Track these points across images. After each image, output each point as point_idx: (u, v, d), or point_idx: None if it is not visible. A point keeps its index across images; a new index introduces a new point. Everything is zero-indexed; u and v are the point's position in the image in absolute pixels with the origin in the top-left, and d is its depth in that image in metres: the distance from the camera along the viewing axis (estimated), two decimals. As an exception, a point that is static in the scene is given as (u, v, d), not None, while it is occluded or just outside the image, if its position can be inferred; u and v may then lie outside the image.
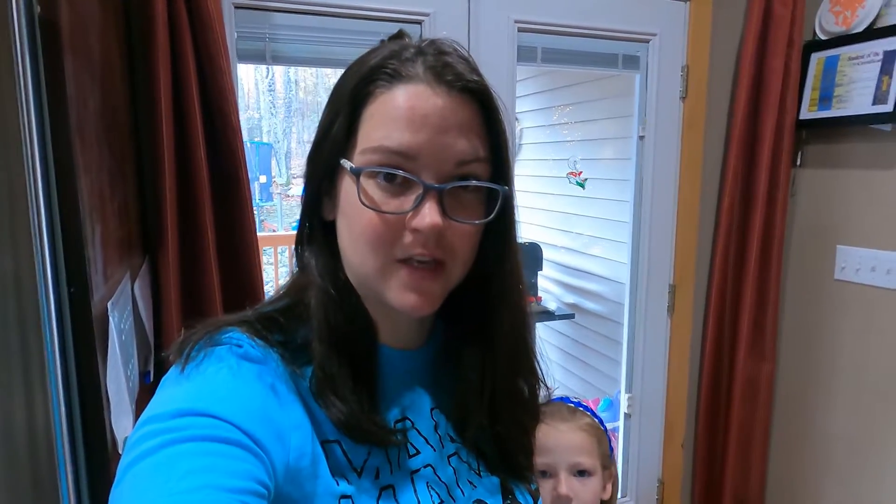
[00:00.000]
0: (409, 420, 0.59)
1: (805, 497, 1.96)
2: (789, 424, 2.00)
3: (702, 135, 1.88)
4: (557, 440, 0.92)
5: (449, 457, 0.60)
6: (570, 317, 2.80)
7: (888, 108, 1.59)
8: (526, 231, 3.30)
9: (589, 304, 2.89)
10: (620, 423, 2.07)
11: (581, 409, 0.99)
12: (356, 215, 0.52)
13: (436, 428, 0.61)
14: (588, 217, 2.86)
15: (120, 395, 0.84)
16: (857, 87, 1.67)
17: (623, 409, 2.04)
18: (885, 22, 1.64)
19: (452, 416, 0.62)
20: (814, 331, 1.90)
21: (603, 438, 0.97)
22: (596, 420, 0.99)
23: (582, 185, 2.60)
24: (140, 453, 0.42)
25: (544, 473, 0.91)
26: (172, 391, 0.47)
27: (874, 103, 1.62)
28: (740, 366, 1.94)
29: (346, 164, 0.53)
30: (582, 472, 0.92)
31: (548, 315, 2.77)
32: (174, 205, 1.25)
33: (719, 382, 2.00)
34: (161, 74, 1.19)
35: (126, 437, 0.88)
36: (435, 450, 0.59)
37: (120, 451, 0.83)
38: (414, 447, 0.58)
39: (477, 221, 0.55)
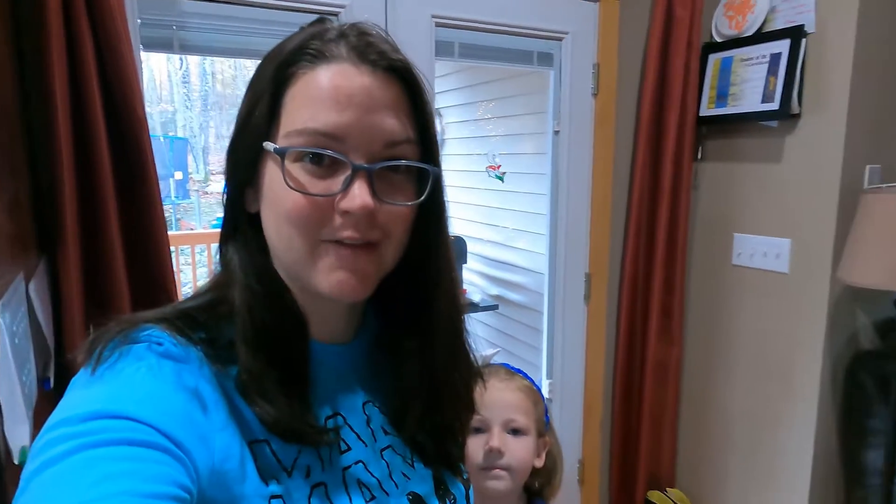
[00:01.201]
0: (341, 416, 0.58)
1: (710, 470, 2.11)
2: (696, 404, 2.14)
3: (613, 130, 1.97)
4: (493, 398, 0.92)
5: (382, 450, 0.60)
6: (493, 308, 2.87)
7: (774, 106, 1.73)
8: (451, 226, 3.32)
9: (512, 295, 2.96)
10: (542, 409, 2.14)
11: (520, 374, 1.01)
12: (281, 199, 0.50)
13: (368, 422, 0.60)
14: (509, 210, 2.93)
15: (14, 402, 0.79)
16: (748, 87, 1.81)
17: (545, 394, 2.11)
18: (771, 27, 1.78)
19: (388, 408, 0.61)
20: (716, 314, 2.04)
21: (539, 403, 0.98)
22: (534, 385, 1.01)
23: (501, 179, 2.66)
24: (47, 459, 0.38)
25: (478, 430, 0.92)
26: (83, 393, 0.44)
27: (763, 101, 1.76)
28: (651, 350, 2.06)
29: (269, 146, 0.51)
30: (516, 431, 0.93)
31: (473, 307, 2.82)
32: (74, 201, 1.18)
33: (633, 366, 2.11)
34: (55, 62, 1.12)
35: (23, 447, 0.83)
36: (367, 445, 0.58)
37: (16, 462, 0.78)
38: (346, 443, 0.57)
39: (409, 203, 0.53)
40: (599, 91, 1.92)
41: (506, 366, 1.02)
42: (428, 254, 0.59)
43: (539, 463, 0.98)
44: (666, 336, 2.07)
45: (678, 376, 2.13)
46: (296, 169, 0.50)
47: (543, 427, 1.00)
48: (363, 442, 0.58)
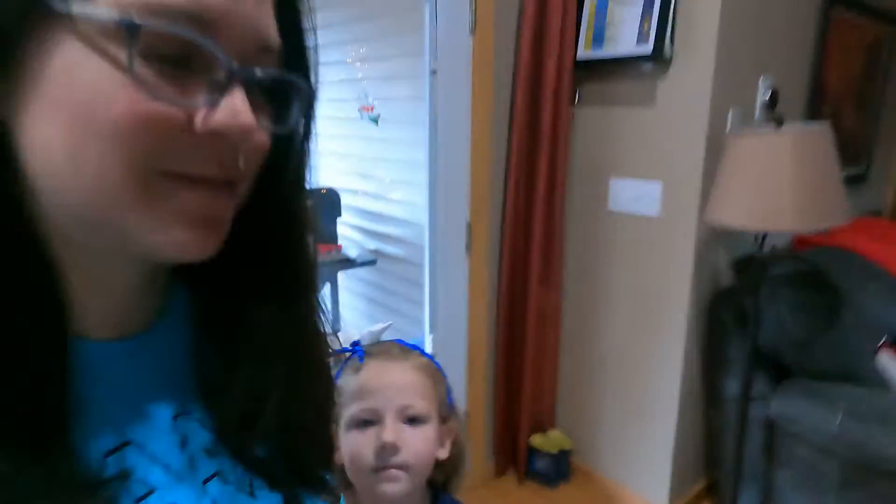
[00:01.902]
0: (134, 443, 0.38)
1: (589, 409, 2.18)
2: (575, 348, 2.19)
3: (492, 70, 1.87)
4: (384, 380, 0.77)
5: (206, 481, 0.42)
6: (371, 263, 2.74)
7: (649, 47, 1.72)
8: (323, 177, 3.12)
9: (391, 249, 2.85)
10: (426, 364, 2.08)
11: (416, 350, 0.85)
12: (100, 101, 0.31)
13: (183, 444, 0.41)
14: (385, 160, 2.78)
15: None
16: (623, 28, 1.78)
17: (428, 350, 2.04)
18: (645, -34, 1.75)
19: (219, 416, 0.43)
20: (593, 260, 2.07)
21: (441, 383, 0.82)
22: (433, 363, 0.85)
23: (375, 121, 2.49)
24: None
25: (367, 422, 0.75)
26: None
27: (638, 43, 1.75)
28: (533, 297, 2.05)
29: (85, 8, 0.30)
30: (414, 420, 0.76)
31: (349, 263, 2.67)
32: None
33: (515, 314, 2.09)
34: None
35: None
36: (182, 478, 0.40)
37: None
38: (144, 483, 0.38)
39: (285, 129, 0.38)
40: (477, 27, 1.81)
41: (399, 342, 0.85)
42: (283, 201, 0.43)
43: (443, 454, 0.81)
44: (546, 283, 2.08)
45: (558, 322, 2.16)
46: (132, 62, 0.31)
47: (447, 410, 0.83)
48: (175, 474, 0.40)
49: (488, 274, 2.05)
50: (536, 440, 2.22)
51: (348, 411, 0.76)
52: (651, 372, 1.95)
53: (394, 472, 0.74)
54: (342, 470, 0.77)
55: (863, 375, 1.76)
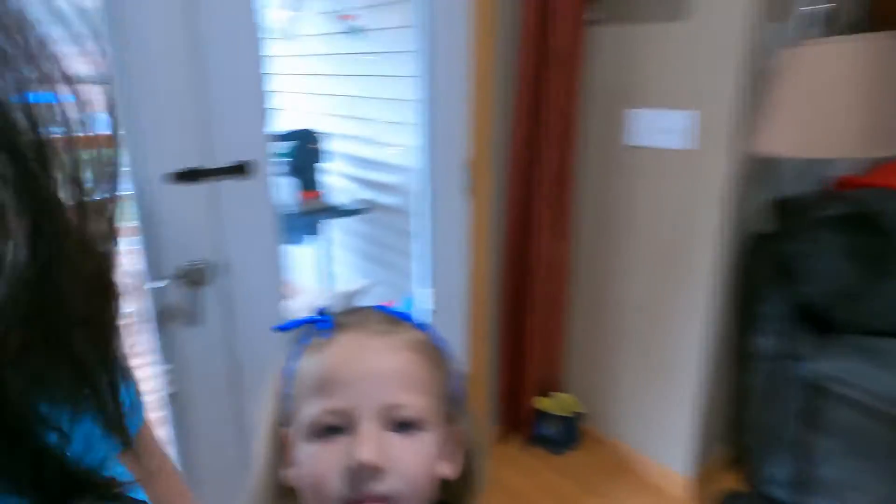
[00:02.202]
0: None
1: (601, 369, 1.98)
2: (586, 301, 1.97)
3: (495, -20, 1.60)
4: (361, 366, 0.50)
5: None
6: (359, 212, 2.50)
7: (683, -54, 1.45)
8: (308, 120, 2.85)
9: (384, 199, 2.61)
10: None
11: (408, 321, 0.56)
12: None
13: None
14: (376, 99, 2.51)
15: None
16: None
17: (428, 305, 1.83)
18: None
19: None
20: (610, 202, 1.83)
21: (443, 367, 0.55)
22: (433, 337, 0.56)
23: (359, 33, 2.22)
24: None
25: (333, 429, 0.49)
26: None
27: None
28: (540, 247, 1.83)
29: None
30: (405, 425, 0.49)
31: (334, 211, 2.43)
32: None
33: (520, 265, 1.87)
34: None
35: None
36: None
37: None
38: None
39: None
40: (479, -74, 1.53)
41: (382, 309, 0.57)
42: None
43: (448, 471, 0.54)
44: (555, 230, 1.84)
45: (568, 273, 1.93)
46: None
47: (453, 406, 0.55)
48: None
49: (490, 220, 1.82)
50: (543, 403, 2.03)
51: (306, 412, 0.50)
52: (674, 328, 1.74)
53: None
54: (292, 495, 0.52)
55: (919, 331, 1.55)
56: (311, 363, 0.51)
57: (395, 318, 0.55)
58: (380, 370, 0.49)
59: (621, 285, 1.85)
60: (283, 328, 0.55)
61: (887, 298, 1.53)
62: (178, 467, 1.35)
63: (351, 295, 0.52)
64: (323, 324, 0.53)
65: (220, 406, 1.36)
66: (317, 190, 2.40)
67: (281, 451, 0.53)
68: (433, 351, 0.54)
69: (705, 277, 1.63)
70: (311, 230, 2.49)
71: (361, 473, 0.46)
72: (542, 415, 2.02)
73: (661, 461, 1.87)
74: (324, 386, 0.49)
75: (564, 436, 2.00)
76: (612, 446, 1.99)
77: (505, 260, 1.85)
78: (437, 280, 1.80)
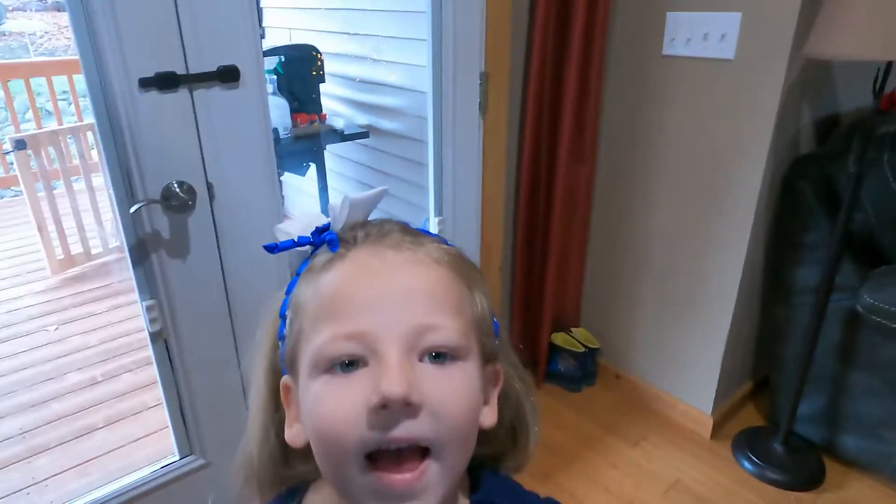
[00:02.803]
0: None
1: (621, 304, 1.86)
2: (607, 231, 1.83)
3: None
4: (381, 283, 0.39)
5: None
6: (363, 136, 2.32)
7: None
8: (302, 38, 2.62)
9: (386, 124, 2.42)
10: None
11: (432, 236, 0.46)
12: None
13: None
14: (378, 11, 2.28)
15: None
16: None
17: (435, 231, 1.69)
18: None
19: None
20: (640, 119, 1.66)
21: (479, 287, 0.44)
22: (465, 256, 0.46)
23: None
24: None
25: (350, 363, 0.37)
26: None
27: None
28: (561, 170, 1.67)
29: None
30: (439, 355, 0.38)
31: (336, 135, 2.25)
32: None
33: (538, 191, 1.72)
34: None
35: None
36: None
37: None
38: None
39: None
40: None
41: (403, 223, 0.47)
42: None
43: (489, 420, 0.43)
44: (578, 151, 1.68)
45: (589, 199, 1.79)
46: None
47: (492, 340, 0.44)
48: None
49: (506, 141, 1.65)
50: (559, 338, 1.93)
51: (314, 344, 0.38)
52: (705, 258, 1.61)
53: (408, 477, 0.35)
54: (305, 452, 0.41)
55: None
56: (316, 286, 0.40)
57: (418, 232, 0.45)
58: (405, 286, 0.38)
59: (647, 213, 1.71)
60: (278, 248, 0.45)
61: (947, 225, 1.39)
62: (170, 412, 1.24)
63: (362, 203, 0.36)
64: (329, 240, 0.42)
65: (210, 344, 1.24)
66: (312, 113, 2.20)
67: (280, 405, 0.44)
68: (467, 268, 0.43)
69: (745, 204, 1.48)
70: (306, 157, 2.32)
71: (389, 412, 0.35)
72: (558, 350, 1.92)
73: (683, 399, 1.78)
74: (335, 309, 0.38)
75: (581, 372, 1.91)
76: (630, 383, 1.90)
77: (521, 185, 1.69)
78: (446, 208, 1.65)
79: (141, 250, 1.11)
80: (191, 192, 1.08)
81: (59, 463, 1.71)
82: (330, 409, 0.37)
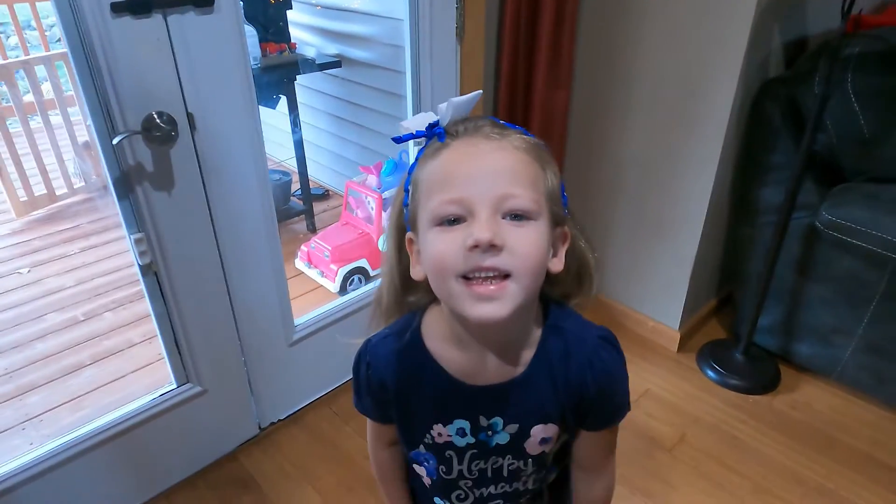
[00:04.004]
0: None
1: (598, 227, 1.92)
2: (584, 155, 1.87)
3: None
4: (476, 163, 0.53)
5: None
6: (336, 65, 2.27)
7: None
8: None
9: (357, 53, 2.36)
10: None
11: (518, 129, 0.58)
12: None
13: None
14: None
15: None
16: None
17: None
18: None
19: None
20: (613, 46, 1.67)
21: (550, 171, 0.57)
22: (541, 144, 0.59)
23: None
24: None
25: (454, 221, 0.52)
26: None
27: None
28: (537, 96, 1.68)
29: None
30: (518, 217, 0.52)
31: (308, 65, 2.20)
32: None
33: (514, 119, 1.73)
34: None
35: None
36: None
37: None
38: None
39: None
40: None
41: (494, 119, 0.59)
42: None
43: (557, 266, 0.57)
44: (553, 78, 1.69)
45: (565, 125, 1.81)
46: None
47: (561, 210, 0.58)
48: None
49: (485, 67, 1.64)
50: (535, 264, 2.00)
51: (428, 207, 0.53)
52: (676, 181, 1.66)
53: (490, 288, 0.50)
54: (426, 286, 0.58)
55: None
56: (430, 166, 0.55)
57: (505, 126, 0.57)
58: (493, 166, 0.52)
59: (621, 137, 1.74)
60: (399, 140, 0.59)
61: (902, 143, 1.46)
62: (164, 342, 1.27)
63: (462, 104, 0.54)
64: (438, 132, 0.56)
65: (200, 275, 1.26)
66: (281, 42, 2.14)
67: (403, 255, 0.60)
68: (542, 154, 0.57)
69: (715, 127, 1.53)
70: (277, 89, 2.26)
71: (479, 252, 0.50)
72: (534, 276, 1.99)
73: (654, 316, 1.89)
74: (444, 182, 0.53)
75: (556, 295, 1.99)
76: (604, 303, 1.99)
77: (499, 112, 1.70)
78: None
79: (125, 184, 1.10)
80: (172, 122, 1.07)
81: (51, 399, 1.74)
82: (441, 248, 0.51)
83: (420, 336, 0.61)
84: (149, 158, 1.10)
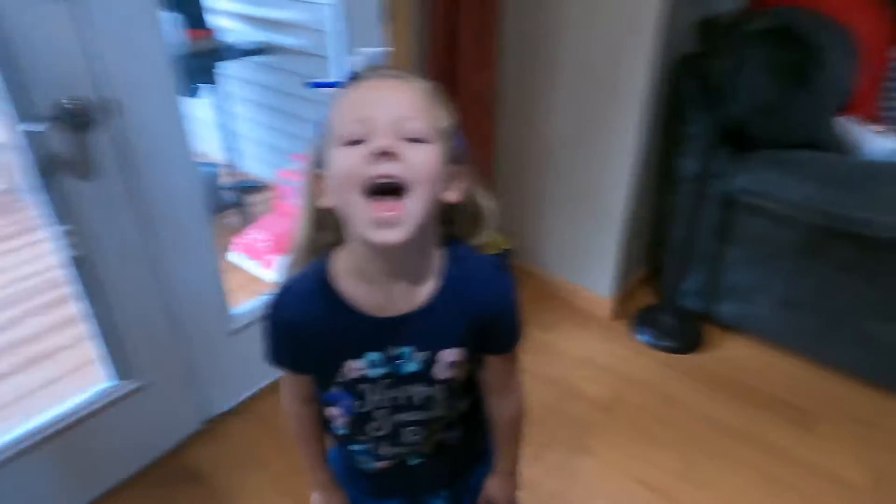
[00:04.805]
0: None
1: (530, 204, 1.98)
2: (514, 135, 1.92)
3: None
4: (379, 94, 0.60)
5: None
6: (260, 52, 2.22)
7: None
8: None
9: (282, 39, 2.32)
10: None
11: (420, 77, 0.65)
12: None
13: None
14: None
15: None
16: None
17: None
18: None
19: None
20: (536, 27, 1.72)
21: (446, 112, 0.62)
22: (439, 91, 0.64)
23: None
24: None
25: (355, 142, 0.57)
26: None
27: None
28: (466, 78, 1.71)
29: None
30: (413, 140, 0.57)
31: (230, 51, 2.14)
32: None
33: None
34: None
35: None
36: None
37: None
38: None
39: None
40: None
41: (398, 68, 0.67)
42: None
43: (453, 196, 0.62)
44: (479, 59, 1.72)
45: (493, 106, 1.85)
46: None
47: (457, 152, 0.63)
48: None
49: (412, 51, 1.66)
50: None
51: (337, 130, 0.59)
52: (601, 155, 1.74)
53: (391, 213, 0.55)
54: (334, 219, 0.62)
55: (825, 142, 1.64)
56: (340, 101, 0.60)
57: (408, 73, 0.63)
58: (394, 95, 0.59)
59: (548, 117, 1.80)
60: (317, 85, 0.68)
61: (802, 111, 1.59)
62: (94, 335, 1.23)
63: (372, 55, 0.81)
64: (352, 75, 0.62)
65: (132, 266, 1.23)
66: (206, 28, 2.07)
67: (318, 186, 0.63)
68: (439, 97, 0.62)
69: (634, 103, 1.61)
70: (205, 77, 2.20)
71: (379, 161, 0.55)
72: (473, 255, 2.03)
73: (587, 286, 1.97)
74: (350, 108, 0.59)
75: (495, 273, 2.04)
76: (541, 278, 2.06)
77: (429, 96, 1.72)
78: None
79: (47, 172, 1.05)
80: (91, 108, 1.04)
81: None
82: (345, 163, 0.56)
83: (327, 276, 0.64)
84: (67, 146, 1.05)
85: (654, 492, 1.39)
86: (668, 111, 1.72)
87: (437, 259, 0.64)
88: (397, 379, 0.67)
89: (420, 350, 0.65)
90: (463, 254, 0.66)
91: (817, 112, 1.61)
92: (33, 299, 2.10)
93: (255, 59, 2.31)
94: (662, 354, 1.80)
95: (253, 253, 2.14)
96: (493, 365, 0.72)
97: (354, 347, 0.65)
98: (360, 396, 0.68)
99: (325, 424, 0.76)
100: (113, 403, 1.30)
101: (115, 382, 1.31)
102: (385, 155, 0.55)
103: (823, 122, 1.64)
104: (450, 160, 0.60)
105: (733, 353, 1.81)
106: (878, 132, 1.67)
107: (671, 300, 1.84)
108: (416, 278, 0.63)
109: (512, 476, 0.83)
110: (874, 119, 1.78)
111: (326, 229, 0.66)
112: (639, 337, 1.85)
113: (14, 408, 1.65)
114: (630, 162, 1.68)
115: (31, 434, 1.19)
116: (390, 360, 0.66)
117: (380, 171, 0.55)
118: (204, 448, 1.48)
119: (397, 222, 0.55)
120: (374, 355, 0.65)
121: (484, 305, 0.65)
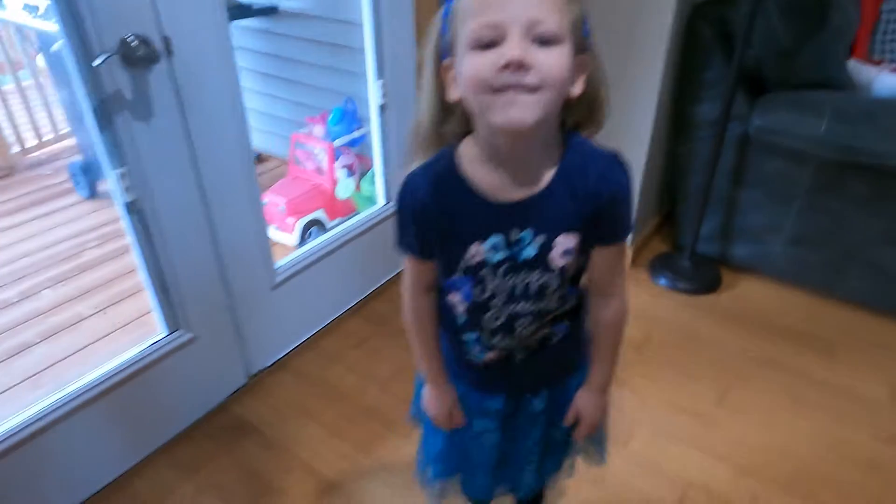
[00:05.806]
0: None
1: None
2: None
3: None
4: None
5: None
6: (272, 10, 2.19)
7: None
8: None
9: (291, 3, 2.29)
10: (374, 121, 1.75)
11: None
12: None
13: None
14: None
15: None
16: None
17: (377, 101, 1.70)
18: None
19: None
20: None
21: (577, 4, 0.62)
22: None
23: None
24: None
25: (488, 45, 0.57)
26: None
27: None
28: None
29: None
30: (545, 41, 0.57)
31: (242, 10, 2.11)
32: None
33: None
34: None
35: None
36: None
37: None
38: None
39: None
40: None
41: None
42: None
43: (577, 90, 0.63)
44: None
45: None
46: None
47: (584, 40, 0.63)
48: None
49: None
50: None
51: (464, 32, 0.58)
52: (621, 106, 1.77)
53: (520, 95, 0.57)
54: (461, 109, 0.64)
55: (837, 82, 1.71)
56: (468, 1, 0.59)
57: None
58: None
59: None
60: None
61: (816, 52, 1.65)
62: (153, 286, 1.22)
63: None
64: None
65: (183, 213, 1.22)
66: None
67: (443, 78, 0.63)
68: None
69: (652, 52, 1.65)
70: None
71: (510, 70, 0.56)
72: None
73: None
74: (479, 8, 0.57)
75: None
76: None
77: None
78: (386, 72, 1.66)
79: (105, 113, 1.04)
80: (148, 45, 1.02)
81: (2, 381, 1.61)
82: (476, 65, 0.57)
83: (455, 162, 0.67)
84: (128, 84, 1.04)
85: (694, 417, 1.45)
86: (685, 57, 1.76)
87: (557, 146, 0.67)
88: (516, 265, 0.70)
89: (539, 234, 0.68)
90: (581, 142, 0.68)
91: (830, 53, 1.68)
92: (44, 273, 2.05)
93: (264, 19, 2.27)
94: (683, 296, 1.87)
95: (270, 218, 2.12)
96: (601, 260, 0.74)
97: (479, 230, 0.68)
98: (481, 282, 0.71)
99: (440, 316, 0.79)
100: (166, 356, 1.29)
101: (169, 333, 1.30)
102: (517, 65, 0.55)
103: (836, 63, 1.71)
104: (577, 51, 0.61)
105: (749, 292, 1.88)
106: (890, 71, 1.75)
107: (688, 246, 1.90)
108: (537, 165, 0.66)
109: (603, 394, 0.84)
110: (868, 60, 1.87)
111: (452, 121, 0.67)
112: (659, 281, 1.92)
113: (42, 377, 1.63)
114: (651, 110, 1.73)
115: (92, 385, 1.18)
116: (511, 244, 0.68)
117: (510, 81, 0.56)
118: (254, 401, 1.48)
119: (525, 104, 0.57)
120: (496, 238, 0.68)
121: (598, 193, 0.67)
